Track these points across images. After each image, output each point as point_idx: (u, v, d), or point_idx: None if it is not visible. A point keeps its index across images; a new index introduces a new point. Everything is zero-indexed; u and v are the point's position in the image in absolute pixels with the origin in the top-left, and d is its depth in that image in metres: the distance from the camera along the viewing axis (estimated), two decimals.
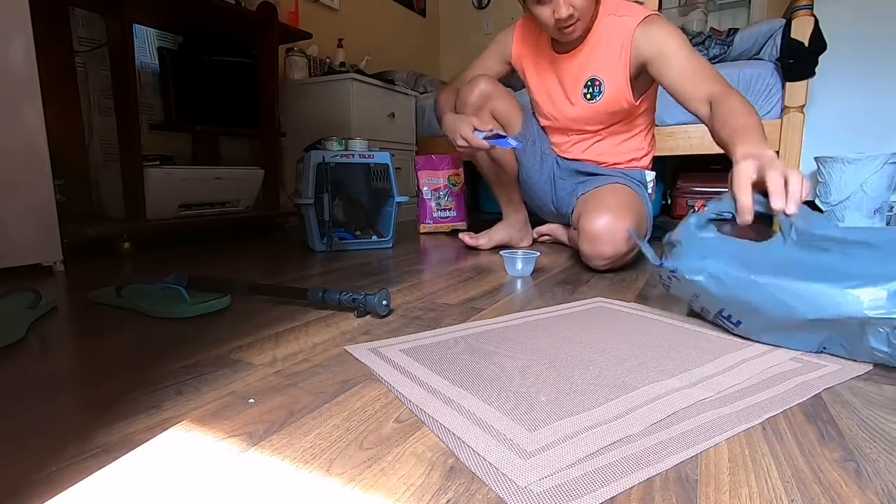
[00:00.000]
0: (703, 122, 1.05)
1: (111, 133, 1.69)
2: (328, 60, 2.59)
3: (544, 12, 1.14)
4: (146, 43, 1.90)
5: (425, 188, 2.01)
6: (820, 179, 2.08)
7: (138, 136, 1.58)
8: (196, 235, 1.94)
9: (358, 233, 1.70)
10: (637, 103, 1.25)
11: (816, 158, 2.10)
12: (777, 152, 1.98)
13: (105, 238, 1.48)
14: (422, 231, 2.02)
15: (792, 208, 0.67)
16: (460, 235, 1.56)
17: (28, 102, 1.14)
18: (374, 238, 1.64)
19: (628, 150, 1.37)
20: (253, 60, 2.05)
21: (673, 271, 0.71)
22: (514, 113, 1.43)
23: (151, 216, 1.62)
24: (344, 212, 1.75)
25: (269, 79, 2.05)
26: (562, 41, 1.23)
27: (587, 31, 1.22)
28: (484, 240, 1.53)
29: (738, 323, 0.67)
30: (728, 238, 0.72)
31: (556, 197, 1.48)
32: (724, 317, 0.68)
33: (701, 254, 0.69)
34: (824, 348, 0.62)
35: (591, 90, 1.27)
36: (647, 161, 1.40)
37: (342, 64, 2.58)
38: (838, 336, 0.60)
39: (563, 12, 1.11)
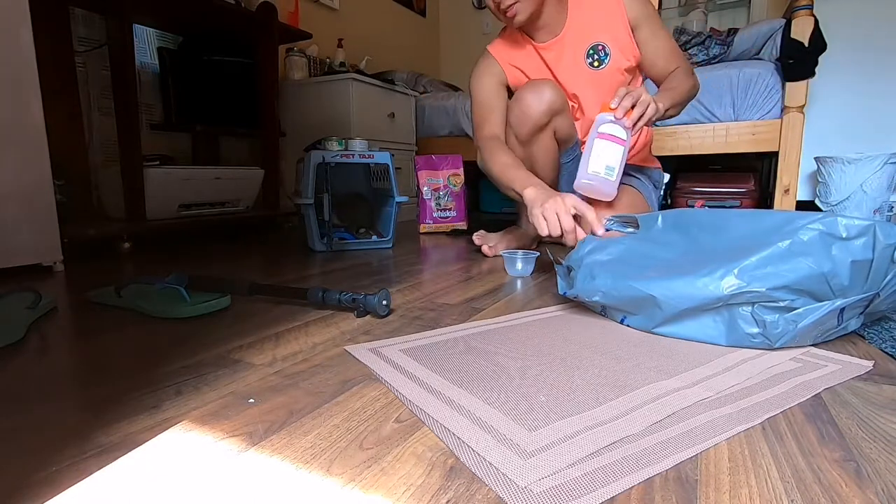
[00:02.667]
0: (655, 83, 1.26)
1: (111, 133, 1.69)
2: (328, 60, 2.59)
3: (490, 2, 1.18)
4: (146, 43, 1.90)
5: (425, 188, 2.01)
6: (820, 179, 2.09)
7: (138, 136, 1.58)
8: (196, 235, 1.94)
9: (362, 231, 1.70)
10: (636, 60, 1.26)
11: (816, 158, 2.10)
12: (776, 153, 1.99)
13: (105, 238, 1.48)
14: (422, 231, 2.02)
15: (623, 119, 1.00)
16: (474, 237, 1.48)
17: (28, 102, 1.14)
18: (374, 238, 1.64)
19: (638, 138, 1.31)
20: (253, 60, 2.05)
21: (576, 296, 0.80)
22: (572, 126, 1.31)
23: (151, 216, 1.62)
24: (344, 212, 1.75)
25: (269, 79, 2.05)
26: (538, 31, 1.24)
27: (565, 8, 1.23)
28: (502, 245, 1.42)
29: (643, 323, 0.72)
30: (611, 241, 0.84)
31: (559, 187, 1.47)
32: (626, 323, 0.75)
33: (591, 274, 0.77)
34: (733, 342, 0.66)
35: (596, 56, 1.24)
36: (653, 161, 1.40)
37: (342, 64, 2.58)
38: (723, 324, 0.65)
39: (505, 4, 1.14)
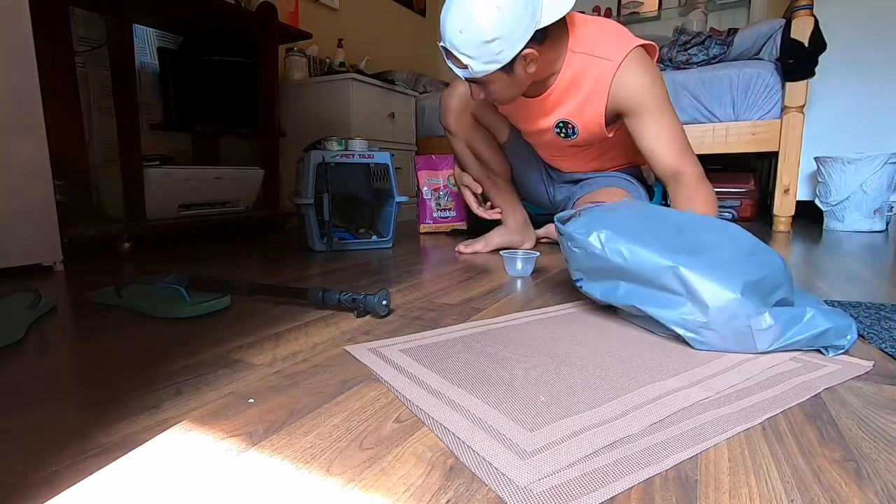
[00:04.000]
0: (664, 187, 1.15)
1: (111, 133, 1.69)
2: (328, 60, 2.59)
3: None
4: (146, 43, 1.90)
5: (425, 188, 2.01)
6: (820, 179, 2.09)
7: (138, 136, 1.58)
8: (196, 235, 1.94)
9: (361, 231, 1.70)
10: (612, 134, 1.19)
11: (816, 158, 2.10)
12: (776, 153, 1.99)
13: (105, 238, 1.48)
14: (422, 231, 2.02)
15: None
16: (456, 248, 1.49)
17: (28, 102, 1.14)
18: (374, 238, 1.64)
19: (618, 155, 1.35)
20: (253, 60, 2.05)
21: (579, 280, 0.81)
22: (499, 116, 1.38)
23: (151, 216, 1.62)
24: (344, 212, 1.75)
25: (268, 79, 2.05)
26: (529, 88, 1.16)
27: (554, 73, 1.12)
28: (480, 245, 1.48)
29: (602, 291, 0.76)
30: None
31: (553, 198, 1.48)
32: (583, 288, 0.80)
33: (579, 265, 0.79)
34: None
35: (563, 131, 1.22)
36: (641, 159, 1.37)
37: (342, 64, 2.58)
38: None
39: (476, 96, 1.11)
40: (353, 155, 1.54)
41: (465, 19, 0.94)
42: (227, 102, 2.01)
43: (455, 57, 1.00)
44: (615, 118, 1.15)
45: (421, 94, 2.82)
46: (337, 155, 1.51)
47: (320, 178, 1.47)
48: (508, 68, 1.01)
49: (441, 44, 1.02)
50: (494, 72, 1.00)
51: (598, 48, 1.07)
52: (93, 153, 1.72)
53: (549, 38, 1.03)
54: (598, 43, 1.07)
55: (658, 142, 1.07)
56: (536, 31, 0.98)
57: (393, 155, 1.64)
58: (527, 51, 0.99)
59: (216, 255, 1.49)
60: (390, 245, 1.64)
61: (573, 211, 0.87)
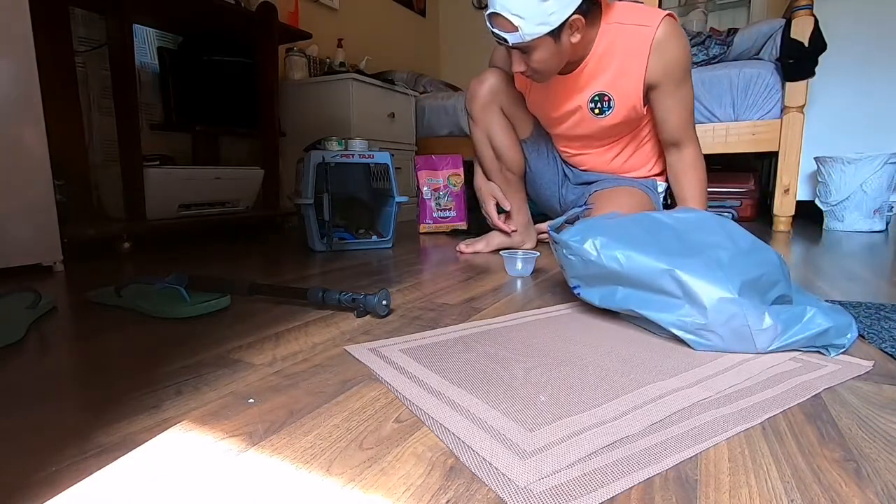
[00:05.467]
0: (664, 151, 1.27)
1: (111, 133, 1.69)
2: (328, 60, 2.59)
3: (508, 59, 1.14)
4: (146, 43, 1.90)
5: (425, 188, 2.01)
6: (820, 179, 2.09)
7: (138, 136, 1.58)
8: (196, 235, 1.94)
9: (361, 231, 1.70)
10: (645, 111, 1.21)
11: (816, 158, 2.10)
12: (776, 153, 1.99)
13: (105, 238, 1.48)
14: (422, 231, 2.02)
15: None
16: (457, 247, 1.50)
17: (28, 102, 1.14)
18: (374, 238, 1.64)
19: (637, 163, 1.36)
20: (253, 60, 2.05)
21: (577, 287, 0.81)
22: (525, 111, 1.39)
23: (151, 216, 1.62)
24: (344, 212, 1.75)
25: (268, 79, 2.05)
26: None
27: (588, 46, 1.13)
28: (481, 244, 1.49)
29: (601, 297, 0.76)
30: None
31: (563, 200, 1.47)
32: (581, 294, 0.80)
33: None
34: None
35: (598, 105, 1.20)
36: (657, 169, 1.38)
37: (342, 64, 2.58)
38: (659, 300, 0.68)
39: (517, 68, 1.10)
40: (353, 155, 1.54)
41: None
42: (227, 102, 2.01)
43: (502, 22, 1.01)
44: (648, 91, 1.16)
45: (421, 94, 2.82)
46: (337, 155, 1.51)
47: (320, 178, 1.47)
48: (556, 34, 1.02)
49: (487, 11, 1.04)
50: (542, 36, 1.02)
51: (631, 17, 1.11)
52: (93, 153, 1.72)
53: (591, 11, 1.07)
54: (629, 14, 1.11)
55: (673, 113, 1.17)
56: (583, 1, 1.01)
57: (393, 155, 1.64)
58: (574, 17, 1.02)
59: (216, 255, 1.49)
60: (390, 245, 1.64)
61: (564, 218, 0.88)
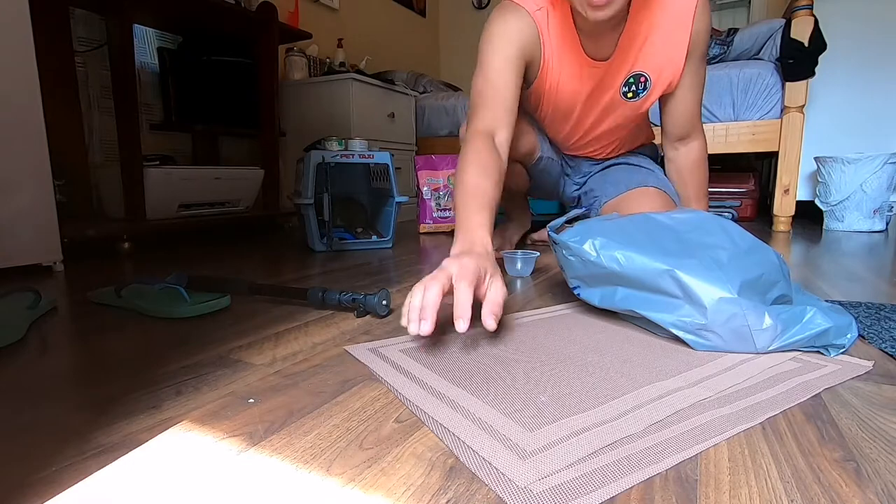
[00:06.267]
0: (664, 146, 1.15)
1: (111, 133, 1.70)
2: (328, 60, 2.59)
3: None
4: (146, 43, 1.90)
5: (425, 188, 2.01)
6: (820, 179, 2.09)
7: (138, 135, 1.58)
8: (196, 235, 1.94)
9: (359, 230, 1.70)
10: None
11: (816, 158, 2.10)
12: (776, 153, 1.99)
13: (105, 238, 1.48)
14: (421, 231, 2.02)
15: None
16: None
17: (28, 102, 1.14)
18: (374, 238, 1.64)
19: (639, 135, 1.27)
20: (253, 60, 2.05)
21: (577, 287, 0.81)
22: (529, 138, 1.25)
23: (151, 216, 1.62)
24: (343, 212, 1.75)
25: (268, 79, 2.05)
26: (593, 36, 0.97)
27: (622, 18, 0.94)
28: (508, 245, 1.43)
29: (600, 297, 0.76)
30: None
31: (564, 195, 1.44)
32: (581, 295, 0.80)
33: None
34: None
35: (633, 88, 1.04)
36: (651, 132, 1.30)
37: (342, 64, 2.58)
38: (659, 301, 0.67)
39: None
40: (352, 155, 1.54)
41: None
42: (227, 102, 2.01)
43: None
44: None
45: (421, 94, 2.83)
46: (337, 155, 1.51)
47: (320, 178, 1.47)
48: None
49: None
50: None
51: None
52: (93, 153, 1.72)
53: None
54: None
55: (690, 94, 1.04)
56: None
57: (393, 155, 1.64)
58: None
59: (216, 255, 1.49)
60: (390, 245, 1.64)
61: (564, 219, 0.88)
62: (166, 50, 1.89)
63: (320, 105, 2.31)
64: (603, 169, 1.31)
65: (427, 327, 0.57)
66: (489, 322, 0.61)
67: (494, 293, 0.65)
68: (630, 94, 1.05)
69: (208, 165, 2.00)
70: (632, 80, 1.03)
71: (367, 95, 2.35)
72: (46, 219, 1.19)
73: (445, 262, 0.67)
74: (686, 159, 1.12)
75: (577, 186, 1.38)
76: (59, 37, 1.53)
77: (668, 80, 1.04)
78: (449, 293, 0.62)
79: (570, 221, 0.89)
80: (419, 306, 0.60)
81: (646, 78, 1.02)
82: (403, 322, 0.62)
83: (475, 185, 0.84)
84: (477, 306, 0.63)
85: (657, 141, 1.33)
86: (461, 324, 0.58)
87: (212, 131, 2.08)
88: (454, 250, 0.76)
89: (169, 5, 1.71)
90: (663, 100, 1.09)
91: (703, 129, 1.12)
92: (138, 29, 1.84)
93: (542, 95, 1.10)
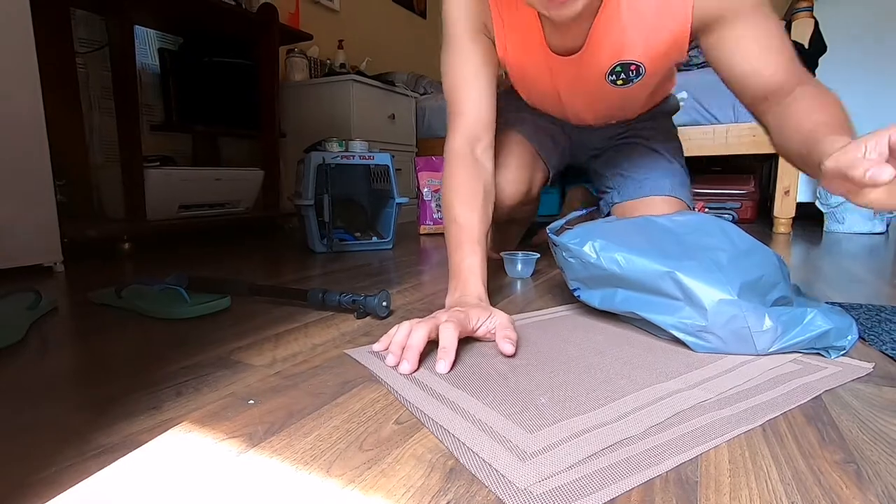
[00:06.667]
0: (760, 123, 0.80)
1: (112, 133, 1.70)
2: (328, 62, 2.60)
3: None
4: (147, 44, 1.90)
5: (425, 189, 2.01)
6: None
7: (139, 136, 1.58)
8: (196, 236, 1.94)
9: (358, 234, 1.70)
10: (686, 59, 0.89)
11: None
12: (776, 154, 1.99)
13: (105, 239, 1.48)
14: (422, 232, 2.02)
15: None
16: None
17: (29, 103, 1.14)
18: (375, 239, 1.64)
19: (658, 95, 1.13)
20: (253, 61, 2.06)
21: (577, 289, 0.80)
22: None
23: (151, 217, 1.62)
24: (343, 213, 1.75)
25: (269, 80, 2.05)
26: (558, 29, 0.85)
27: (593, 10, 0.80)
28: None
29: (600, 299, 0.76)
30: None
31: (574, 158, 1.30)
32: (581, 297, 0.79)
33: (576, 275, 0.79)
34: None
35: (623, 75, 0.91)
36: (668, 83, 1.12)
37: (342, 65, 2.59)
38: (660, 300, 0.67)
39: None
40: (353, 156, 1.54)
41: None
42: (228, 103, 2.01)
43: None
44: (699, 39, 0.82)
45: (422, 95, 2.83)
46: (337, 156, 1.51)
47: (321, 180, 1.47)
48: None
49: None
50: None
51: None
52: (93, 153, 1.73)
53: None
54: None
55: (765, 58, 0.73)
56: None
57: (393, 156, 1.64)
58: None
59: (216, 256, 1.49)
60: (390, 246, 1.64)
61: (564, 221, 0.88)
62: (167, 51, 1.89)
63: (321, 106, 2.31)
64: (621, 140, 1.21)
65: (406, 368, 0.57)
66: (506, 347, 0.62)
67: (501, 319, 0.66)
68: (621, 82, 0.93)
69: (208, 166, 2.01)
70: (619, 68, 0.90)
71: (368, 97, 2.35)
72: (47, 219, 1.19)
73: (437, 313, 0.67)
74: (805, 99, 0.70)
75: (597, 151, 1.27)
76: (59, 37, 1.54)
77: (668, 64, 0.91)
78: (435, 340, 0.61)
79: (570, 223, 0.89)
80: (402, 343, 0.60)
81: (637, 66, 0.89)
82: (377, 347, 0.64)
83: (464, 220, 0.82)
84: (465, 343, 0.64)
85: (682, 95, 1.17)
86: (442, 365, 0.57)
87: (212, 132, 2.08)
88: (448, 300, 0.77)
89: (170, 6, 1.71)
90: (725, 75, 0.81)
91: (813, 77, 0.74)
92: (139, 30, 1.84)
93: (512, 77, 1.03)
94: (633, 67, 0.89)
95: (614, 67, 0.90)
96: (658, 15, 0.80)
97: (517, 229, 1.41)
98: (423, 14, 3.72)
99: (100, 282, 1.12)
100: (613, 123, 1.19)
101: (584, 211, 1.14)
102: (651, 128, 1.20)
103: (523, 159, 1.15)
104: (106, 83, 1.73)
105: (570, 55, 0.89)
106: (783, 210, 1.99)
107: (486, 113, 0.91)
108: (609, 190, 1.24)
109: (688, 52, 0.86)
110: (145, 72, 1.88)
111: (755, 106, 0.79)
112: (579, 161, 1.33)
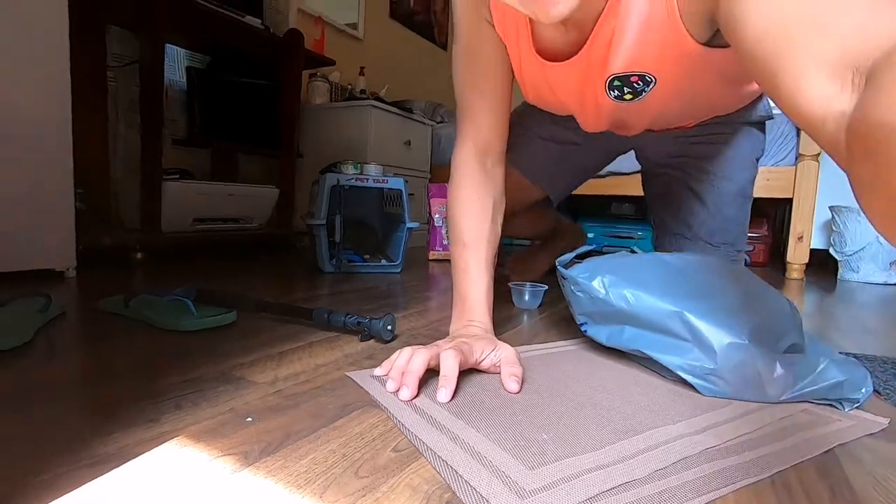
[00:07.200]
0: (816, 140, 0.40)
1: (134, 145, 1.74)
2: (349, 87, 2.66)
3: None
4: (176, 61, 1.97)
5: (437, 215, 2.02)
6: (834, 228, 2.07)
7: (160, 149, 1.62)
8: (208, 249, 1.97)
9: (367, 256, 1.71)
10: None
11: (831, 207, 2.09)
12: (790, 199, 1.98)
13: (119, 247, 1.50)
14: (431, 258, 2.03)
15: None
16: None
17: (58, 111, 1.18)
18: (384, 262, 1.65)
19: (729, 99, 0.93)
20: (277, 83, 2.11)
21: (584, 324, 0.80)
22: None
23: (166, 228, 1.65)
24: (354, 235, 1.76)
25: (291, 102, 2.10)
26: (547, 39, 0.76)
27: (593, 17, 0.69)
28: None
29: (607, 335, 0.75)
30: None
31: (647, 160, 1.17)
32: (588, 332, 0.79)
33: (584, 309, 0.79)
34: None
35: (628, 89, 0.78)
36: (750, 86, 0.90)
37: (363, 91, 2.65)
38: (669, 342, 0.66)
39: None
40: (367, 179, 1.56)
41: None
42: (249, 122, 2.06)
43: None
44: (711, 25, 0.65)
45: (438, 123, 2.88)
46: (352, 178, 1.54)
47: (334, 200, 1.49)
48: None
49: None
50: None
51: None
52: (116, 164, 1.77)
53: None
54: None
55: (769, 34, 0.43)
56: None
57: (406, 181, 1.66)
58: None
59: (228, 270, 1.50)
60: (399, 270, 1.64)
61: (574, 254, 0.87)
62: (195, 69, 1.95)
63: (339, 129, 2.36)
64: (673, 159, 1.08)
65: (406, 395, 0.56)
66: (511, 385, 0.60)
67: (507, 353, 0.65)
68: (629, 96, 0.80)
69: (225, 182, 2.04)
70: (617, 82, 0.77)
71: (386, 122, 2.40)
72: (64, 225, 1.22)
73: (439, 342, 0.67)
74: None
75: (669, 155, 1.10)
76: (94, 51, 1.60)
77: (692, 62, 0.73)
78: (436, 368, 0.60)
79: (579, 257, 0.88)
80: (402, 368, 0.59)
81: (639, 77, 0.76)
82: (378, 371, 0.64)
83: (470, 240, 0.79)
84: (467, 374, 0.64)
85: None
86: (443, 393, 0.56)
87: (232, 149, 2.13)
88: (452, 327, 0.76)
89: (202, 28, 1.78)
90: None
91: None
92: (170, 48, 1.91)
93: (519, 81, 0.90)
94: (633, 79, 0.76)
95: (612, 82, 0.78)
96: (647, 21, 0.67)
97: (545, 257, 1.38)
98: (443, 46, 3.82)
99: (110, 289, 1.13)
100: (661, 131, 1.03)
101: (596, 246, 1.11)
102: (710, 142, 1.03)
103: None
104: (134, 97, 1.79)
105: (560, 62, 0.78)
106: (796, 256, 1.97)
107: (499, 119, 0.85)
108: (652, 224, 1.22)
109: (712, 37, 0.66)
110: (172, 88, 1.94)
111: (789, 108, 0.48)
112: (652, 162, 1.16)
